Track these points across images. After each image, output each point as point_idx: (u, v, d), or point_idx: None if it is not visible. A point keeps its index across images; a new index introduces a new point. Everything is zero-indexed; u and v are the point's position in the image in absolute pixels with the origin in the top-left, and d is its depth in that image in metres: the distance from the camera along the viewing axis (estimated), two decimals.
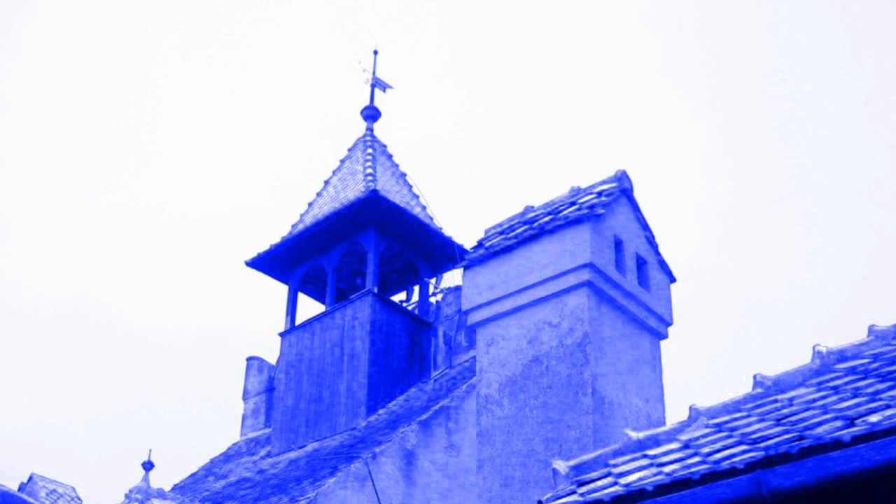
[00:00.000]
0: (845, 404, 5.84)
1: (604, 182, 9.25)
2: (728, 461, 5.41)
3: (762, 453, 5.30)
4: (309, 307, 20.62)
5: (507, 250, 9.15)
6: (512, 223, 9.39)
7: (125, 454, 38.32)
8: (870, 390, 6.02)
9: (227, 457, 19.62)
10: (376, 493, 14.21)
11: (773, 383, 6.75)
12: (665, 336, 9.38)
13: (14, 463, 32.04)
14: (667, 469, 5.75)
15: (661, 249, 9.55)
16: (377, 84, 21.02)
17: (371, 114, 20.89)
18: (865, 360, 6.72)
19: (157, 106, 48.26)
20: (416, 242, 19.09)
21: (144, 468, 17.72)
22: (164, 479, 27.12)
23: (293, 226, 19.79)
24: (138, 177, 46.54)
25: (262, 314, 43.04)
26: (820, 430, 5.40)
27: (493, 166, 44.27)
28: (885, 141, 38.20)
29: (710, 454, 5.73)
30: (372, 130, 20.76)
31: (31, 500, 14.71)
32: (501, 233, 9.36)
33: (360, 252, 18.98)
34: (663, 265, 9.53)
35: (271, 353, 20.89)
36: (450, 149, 43.48)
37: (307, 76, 46.49)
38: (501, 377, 8.89)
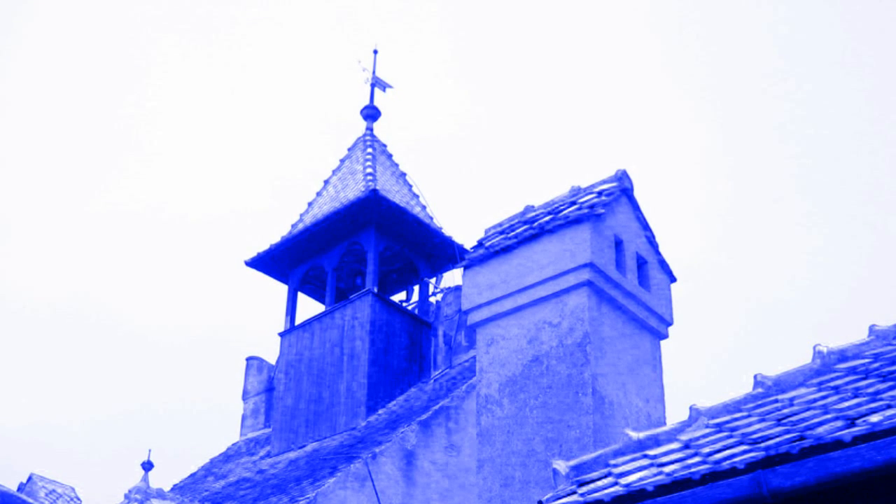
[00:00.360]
0: (846, 404, 5.83)
1: (604, 182, 9.24)
2: (728, 461, 5.41)
3: (763, 453, 5.29)
4: (309, 307, 20.63)
5: (507, 250, 9.14)
6: (512, 223, 9.38)
7: (124, 454, 38.34)
8: (870, 390, 6.02)
9: (227, 457, 19.61)
10: (376, 494, 14.20)
11: (773, 383, 6.74)
12: (665, 336, 9.37)
13: (13, 463, 32.07)
14: (667, 469, 5.74)
15: (661, 249, 9.54)
16: (377, 83, 21.01)
17: (371, 113, 20.88)
18: (866, 360, 6.71)
19: (156, 106, 48.29)
20: (416, 242, 19.08)
21: (144, 468, 17.71)
22: (163, 479, 27.12)
23: (293, 225, 19.78)
24: (138, 177, 46.57)
25: (262, 314, 43.09)
26: (821, 430, 5.39)
27: (493, 166, 44.30)
28: (885, 141, 38.22)
29: (710, 454, 5.72)
30: (372, 130, 20.75)
31: (30, 500, 14.70)
32: (501, 232, 9.35)
33: (360, 252, 18.97)
34: (664, 265, 9.52)
35: (271, 353, 20.90)
36: (450, 148, 43.51)
37: (307, 76, 46.52)
38: (501, 377, 8.88)
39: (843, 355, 6.86)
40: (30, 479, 16.89)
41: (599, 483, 6.03)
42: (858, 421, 5.35)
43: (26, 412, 41.12)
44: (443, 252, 19.00)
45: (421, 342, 18.35)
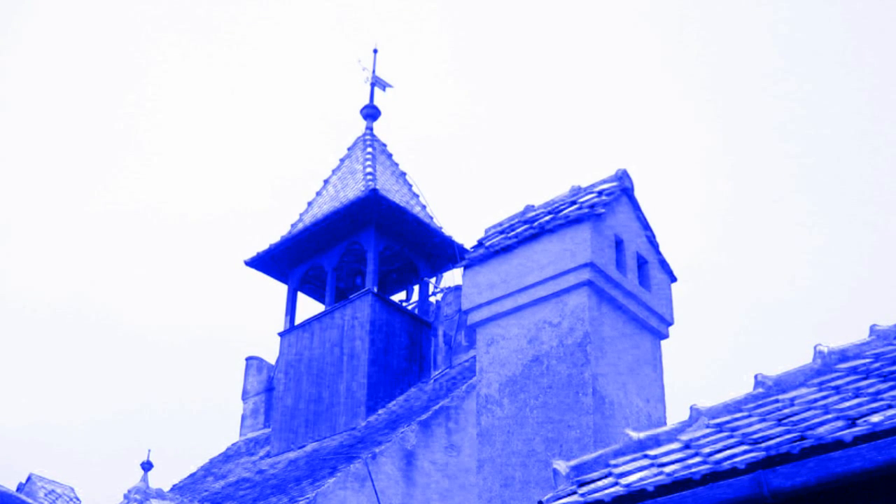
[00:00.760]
0: (847, 404, 5.82)
1: (604, 181, 9.23)
2: (729, 461, 5.40)
3: (763, 453, 5.28)
4: (308, 307, 20.62)
5: (507, 250, 9.12)
6: (512, 222, 9.36)
7: (124, 454, 38.37)
8: (871, 390, 6.01)
9: (227, 457, 19.60)
10: (376, 494, 14.18)
11: (774, 383, 6.73)
12: (666, 336, 9.35)
13: (12, 463, 32.04)
14: (668, 469, 5.73)
15: (661, 249, 9.53)
16: (377, 83, 21.00)
17: (371, 113, 20.87)
18: (867, 360, 6.70)
19: (156, 105, 48.30)
20: (416, 242, 19.07)
21: (143, 468, 17.70)
22: (163, 479, 27.13)
23: (293, 225, 19.77)
24: (137, 176, 46.56)
25: (262, 314, 43.09)
26: (821, 430, 5.38)
27: (493, 165, 44.29)
28: (886, 140, 38.21)
29: (711, 454, 5.71)
30: (372, 129, 20.74)
31: (29, 500, 14.68)
32: (502, 232, 9.33)
33: (360, 251, 18.96)
34: (664, 265, 9.51)
35: (271, 352, 20.89)
36: (450, 148, 43.51)
37: (307, 75, 46.52)
38: (501, 377, 8.87)
39: (843, 355, 6.85)
40: (29, 479, 16.87)
41: (600, 483, 6.02)
42: (859, 421, 5.34)
43: (26, 412, 41.16)
44: (443, 252, 18.99)
45: (421, 342, 18.34)
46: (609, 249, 8.85)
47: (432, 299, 19.14)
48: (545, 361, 8.64)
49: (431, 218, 19.45)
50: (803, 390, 6.52)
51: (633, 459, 6.26)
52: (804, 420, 5.77)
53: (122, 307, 46.30)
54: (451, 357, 17.50)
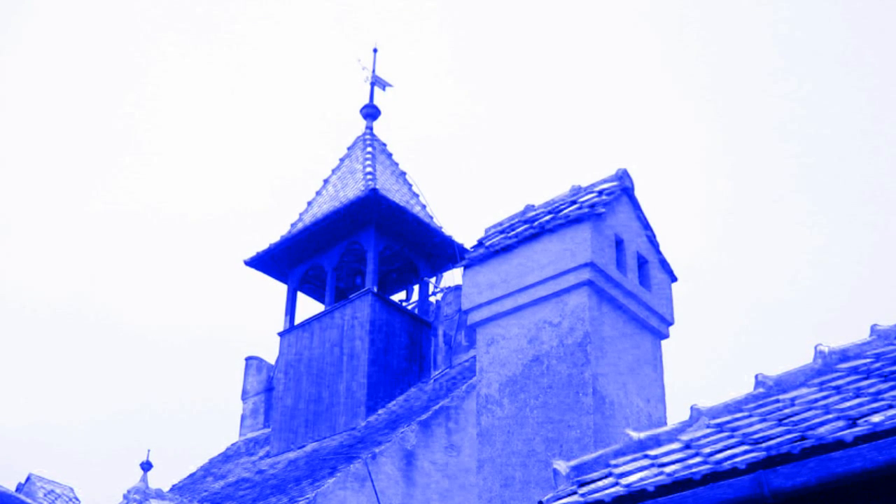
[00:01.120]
0: (847, 404, 5.81)
1: (605, 181, 9.22)
2: (729, 461, 5.39)
3: (764, 453, 5.27)
4: (308, 307, 20.61)
5: (507, 249, 9.11)
6: (512, 222, 9.35)
7: (123, 454, 38.35)
8: (872, 390, 6.00)
9: (226, 457, 19.59)
10: (376, 494, 14.17)
11: (774, 383, 6.73)
12: (666, 336, 9.34)
13: (12, 463, 32.02)
14: (668, 469, 5.73)
15: (662, 248, 9.52)
16: (377, 82, 20.99)
17: (371, 112, 20.86)
18: (868, 360, 6.69)
19: (155, 105, 48.29)
20: (416, 242, 19.06)
21: (143, 468, 17.67)
22: (162, 479, 27.11)
23: (292, 225, 19.76)
24: (137, 176, 46.55)
25: (262, 314, 43.07)
26: (822, 430, 5.37)
27: (494, 165, 44.29)
28: (886, 140, 38.21)
29: (711, 454, 5.70)
30: (371, 129, 20.72)
31: (28, 500, 14.67)
32: (502, 232, 9.32)
33: (360, 251, 18.95)
34: (664, 264, 9.50)
35: (270, 352, 20.88)
36: (450, 147, 43.50)
37: (307, 75, 46.50)
38: (502, 377, 8.86)
39: (844, 355, 6.84)
40: (28, 479, 16.85)
41: (600, 483, 6.02)
42: (860, 421, 5.33)
43: (25, 412, 41.14)
44: (443, 251, 18.98)
45: (421, 342, 18.33)
46: (609, 249, 8.83)
47: (432, 299, 19.13)
48: (545, 361, 8.62)
49: (431, 218, 19.44)
50: (804, 390, 6.52)
51: (634, 459, 6.25)
52: (805, 420, 5.76)
53: (122, 307, 46.33)
54: (451, 357, 17.49)
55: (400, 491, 14.59)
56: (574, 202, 9.00)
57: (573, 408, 8.30)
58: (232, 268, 40.58)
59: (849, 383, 6.32)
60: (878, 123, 39.96)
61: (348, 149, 20.62)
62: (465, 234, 21.15)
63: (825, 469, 5.03)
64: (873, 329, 7.06)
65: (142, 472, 17.64)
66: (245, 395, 20.56)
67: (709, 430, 6.32)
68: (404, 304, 19.40)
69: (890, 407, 5.45)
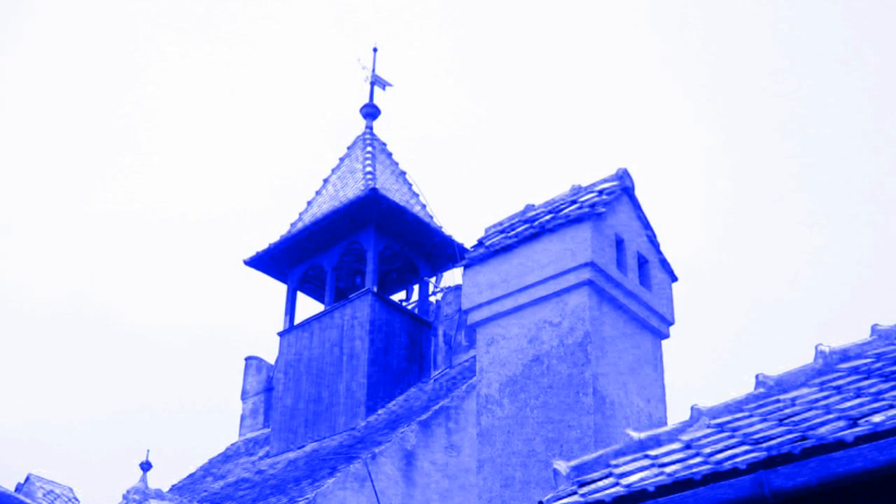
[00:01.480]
0: (848, 404, 5.81)
1: (605, 180, 9.21)
2: (730, 461, 5.38)
3: (764, 453, 5.26)
4: (308, 306, 20.60)
5: (507, 249, 9.10)
6: (512, 222, 9.34)
7: (123, 454, 38.33)
8: (873, 390, 5.99)
9: (226, 457, 19.58)
10: (375, 494, 14.16)
11: (775, 383, 6.72)
12: (666, 335, 9.33)
13: (11, 463, 32.00)
14: (668, 469, 5.72)
15: (662, 248, 9.51)
16: (377, 82, 20.98)
17: (370, 112, 20.85)
18: (868, 360, 6.68)
19: (155, 104, 48.28)
20: (416, 241, 19.05)
21: (142, 468, 17.66)
22: (162, 479, 27.08)
23: (292, 224, 19.75)
24: (137, 176, 46.55)
25: (261, 314, 43.06)
26: (822, 430, 5.36)
27: (494, 164, 44.28)
28: (887, 139, 38.20)
29: (711, 454, 5.69)
30: (371, 128, 20.71)
31: (27, 500, 14.66)
32: (502, 231, 9.31)
33: (360, 251, 18.94)
34: (665, 264, 9.49)
35: (270, 352, 20.87)
36: (450, 147, 43.49)
37: (306, 74, 46.50)
38: (502, 377, 8.84)
39: (845, 355, 6.83)
40: (27, 479, 16.82)
41: (600, 483, 6.01)
42: (861, 421, 5.32)
43: (24, 412, 41.14)
44: (443, 251, 18.97)
45: (421, 342, 18.32)
46: (610, 249, 8.82)
47: (432, 299, 19.12)
48: (545, 361, 8.61)
49: (431, 217, 19.43)
50: (804, 390, 6.51)
51: (634, 459, 6.24)
52: (805, 420, 5.76)
53: (122, 307, 46.32)
54: (451, 357, 17.47)
55: (400, 491, 14.58)
56: (574, 202, 8.98)
57: (573, 408, 8.29)
58: (232, 268, 40.60)
59: (849, 383, 6.32)
60: (879, 123, 39.98)
61: (348, 148, 20.60)
62: (465, 233, 21.14)
63: (826, 469, 5.02)
64: (874, 329, 7.05)
65: (141, 472, 17.63)
66: (245, 395, 20.55)
67: (709, 430, 6.31)
68: (404, 303, 19.38)
69: (891, 407, 5.44)
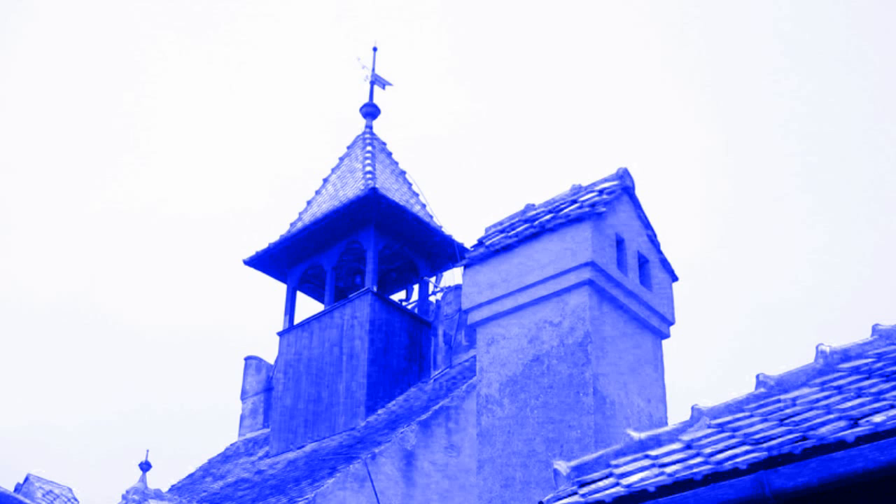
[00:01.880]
0: (849, 404, 5.79)
1: (605, 180, 9.19)
2: (731, 462, 5.37)
3: (765, 454, 5.25)
4: (308, 306, 20.57)
5: (507, 249, 9.09)
6: (512, 221, 9.33)
7: (122, 455, 38.33)
8: (874, 390, 5.98)
9: (225, 457, 19.56)
10: (375, 494, 14.15)
11: (776, 383, 6.70)
12: (667, 335, 9.32)
13: (10, 463, 31.99)
14: (669, 469, 5.71)
15: (663, 248, 9.50)
16: (376, 81, 20.96)
17: (370, 111, 20.83)
18: (869, 360, 6.67)
19: (154, 104, 48.27)
20: (416, 241, 19.04)
21: (142, 469, 17.64)
22: (161, 479, 27.04)
23: (292, 224, 19.74)
24: (136, 175, 46.53)
25: (261, 313, 43.02)
26: (823, 430, 5.35)
27: (494, 164, 44.25)
28: (888, 138, 38.19)
29: (712, 454, 5.68)
30: (371, 128, 20.70)
31: (27, 500, 14.64)
32: (502, 231, 9.30)
33: (360, 251, 18.93)
34: (665, 264, 9.47)
35: (270, 352, 20.86)
36: (450, 146, 43.47)
37: (306, 73, 46.49)
38: (502, 377, 8.83)
39: (846, 355, 6.82)
40: (27, 479, 16.81)
41: (601, 483, 6.00)
42: (861, 421, 5.31)
43: (23, 412, 41.14)
44: (443, 251, 18.96)
45: (421, 342, 18.31)
46: (610, 248, 8.81)
47: (432, 299, 19.11)
48: (546, 361, 8.60)
49: (431, 217, 19.42)
50: (805, 390, 6.49)
51: (635, 460, 6.23)
52: (806, 420, 5.74)
53: (121, 307, 46.28)
54: (451, 357, 17.46)
55: (400, 491, 14.56)
56: (574, 201, 8.97)
57: (574, 408, 8.27)
58: (231, 267, 40.59)
59: (850, 383, 6.30)
60: (880, 122, 39.99)
61: (348, 148, 20.59)
62: (465, 233, 21.15)
63: (827, 469, 5.02)
64: (875, 329, 7.04)
65: (140, 473, 17.61)
66: (244, 395, 20.53)
67: (710, 431, 6.29)
68: (404, 303, 19.37)
69: (892, 407, 5.43)
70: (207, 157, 46.76)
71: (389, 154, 20.36)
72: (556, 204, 9.13)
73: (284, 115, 46.29)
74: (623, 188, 9.14)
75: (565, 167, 38.67)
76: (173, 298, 44.47)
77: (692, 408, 6.68)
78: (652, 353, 9.13)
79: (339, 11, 45.80)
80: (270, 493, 15.54)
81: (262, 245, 19.45)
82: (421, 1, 46.88)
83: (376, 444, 15.16)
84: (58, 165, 46.08)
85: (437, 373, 17.47)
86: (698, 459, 5.71)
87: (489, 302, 9.10)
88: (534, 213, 9.24)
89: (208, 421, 38.50)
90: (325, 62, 43.69)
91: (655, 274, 9.34)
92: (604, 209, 8.77)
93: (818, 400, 6.17)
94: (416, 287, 19.62)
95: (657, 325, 9.21)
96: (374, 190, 18.18)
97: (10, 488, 15.44)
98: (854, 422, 5.35)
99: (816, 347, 6.90)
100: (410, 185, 19.92)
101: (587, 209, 8.73)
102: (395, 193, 19.05)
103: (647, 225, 9.37)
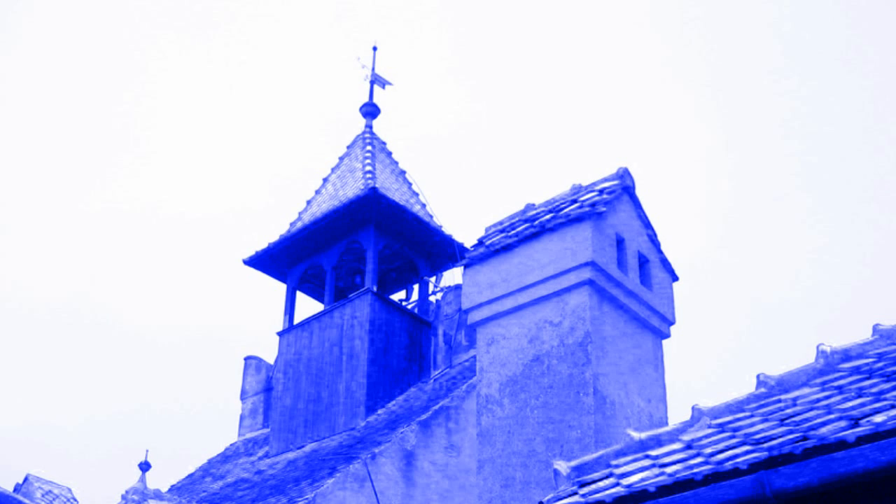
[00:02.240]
0: (849, 404, 5.79)
1: (605, 179, 9.19)
2: (731, 462, 5.36)
3: (766, 454, 5.25)
4: (308, 306, 20.57)
5: (507, 248, 9.08)
6: (513, 221, 9.32)
7: (122, 455, 38.30)
8: (874, 390, 5.97)
9: (225, 457, 19.55)
10: (375, 494, 14.14)
11: (776, 383, 6.70)
12: (667, 335, 9.31)
13: (10, 463, 31.95)
14: (669, 470, 5.70)
15: (663, 248, 9.49)
16: (376, 81, 20.95)
17: (370, 111, 20.83)
18: (870, 360, 6.66)
19: (154, 103, 48.28)
20: (416, 241, 19.03)
21: (141, 469, 17.62)
22: (161, 479, 27.03)
23: (292, 224, 19.73)
24: (135, 175, 46.51)
25: (261, 313, 43.00)
26: (824, 430, 5.35)
27: (494, 164, 44.23)
28: (889, 138, 38.21)
29: (712, 455, 5.68)
30: (371, 127, 20.69)
31: (26, 500, 14.63)
32: (502, 231, 9.29)
33: (360, 250, 18.92)
34: (665, 264, 9.47)
35: (269, 352, 20.83)
36: (450, 146, 43.46)
37: (306, 73, 46.47)
38: (502, 377, 8.82)
39: (846, 355, 6.82)
40: (26, 479, 16.80)
41: (601, 484, 5.99)
42: (862, 421, 5.30)
43: (23, 412, 41.11)
44: (443, 251, 18.95)
45: (421, 341, 18.30)
46: (610, 248, 8.80)
47: (432, 298, 19.10)
48: (546, 361, 8.59)
49: (431, 216, 19.41)
50: (806, 390, 6.49)
51: (635, 460, 6.23)
52: (807, 420, 5.74)
53: (121, 307, 46.25)
54: (451, 357, 17.45)
55: (400, 491, 14.56)
56: (575, 201, 8.96)
57: (574, 408, 8.27)
58: (231, 267, 40.56)
59: (851, 383, 6.30)
60: (881, 122, 40.01)
61: (348, 147, 20.59)
62: (465, 233, 21.13)
63: (827, 469, 5.01)
64: (875, 329, 7.03)
65: (140, 473, 17.60)
66: (244, 395, 20.53)
67: (710, 431, 6.29)
68: (404, 303, 19.36)
69: (892, 407, 5.42)
70: (207, 156, 46.79)
71: (389, 154, 20.35)
72: (557, 204, 9.12)
73: (284, 114, 46.31)
74: (623, 188, 9.13)
75: (565, 167, 38.67)
76: (173, 298, 44.47)
77: (692, 408, 6.67)
78: (652, 352, 9.12)
79: (339, 11, 45.82)
80: (270, 494, 15.53)
81: (261, 245, 19.46)
82: (421, 1, 46.91)
83: (376, 444, 15.15)
84: (57, 165, 46.10)
85: (437, 373, 17.46)
86: (699, 459, 5.70)
87: (489, 302, 9.09)
88: (534, 212, 9.23)
89: (208, 421, 38.51)
90: (324, 62, 43.71)
91: (656, 274, 9.33)
92: (604, 209, 8.76)
93: (819, 400, 6.17)
94: (416, 287, 19.61)
95: (657, 324, 9.20)
96: (374, 190, 18.17)
97: (9, 488, 15.43)
98: (855, 422, 5.34)
99: (817, 347, 6.89)
100: (410, 184, 19.91)
101: (587, 209, 8.72)
102: (395, 193, 19.05)
103: (647, 224, 9.36)
